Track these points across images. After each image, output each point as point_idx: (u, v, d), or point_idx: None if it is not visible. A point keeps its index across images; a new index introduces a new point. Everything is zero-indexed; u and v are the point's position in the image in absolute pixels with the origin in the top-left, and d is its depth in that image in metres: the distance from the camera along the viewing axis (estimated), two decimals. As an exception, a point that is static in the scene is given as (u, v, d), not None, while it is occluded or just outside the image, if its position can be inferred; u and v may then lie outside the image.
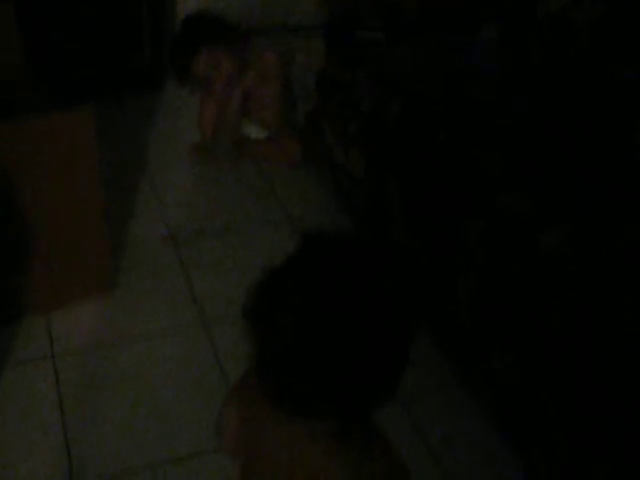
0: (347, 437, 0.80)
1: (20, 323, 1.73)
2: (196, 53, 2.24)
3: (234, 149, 2.40)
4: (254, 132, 2.42)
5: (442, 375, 1.72)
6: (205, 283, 1.91)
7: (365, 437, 0.82)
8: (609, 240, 1.43)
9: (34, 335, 1.71)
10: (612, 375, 1.27)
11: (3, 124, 1.45)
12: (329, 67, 2.18)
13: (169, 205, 2.17)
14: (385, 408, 0.79)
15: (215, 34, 2.28)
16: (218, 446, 0.96)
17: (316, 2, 2.11)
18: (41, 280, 1.71)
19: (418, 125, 1.80)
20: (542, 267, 1.43)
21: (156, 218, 2.12)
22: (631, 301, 1.31)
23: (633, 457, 1.23)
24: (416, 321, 0.78)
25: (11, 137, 1.46)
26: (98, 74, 2.45)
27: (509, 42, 2.17)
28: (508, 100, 1.87)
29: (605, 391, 1.27)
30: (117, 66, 2.50)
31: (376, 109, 1.91)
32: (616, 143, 1.70)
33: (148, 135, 2.46)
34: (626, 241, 1.44)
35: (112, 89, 2.47)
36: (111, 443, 1.50)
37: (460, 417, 1.62)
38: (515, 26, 2.18)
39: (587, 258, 1.40)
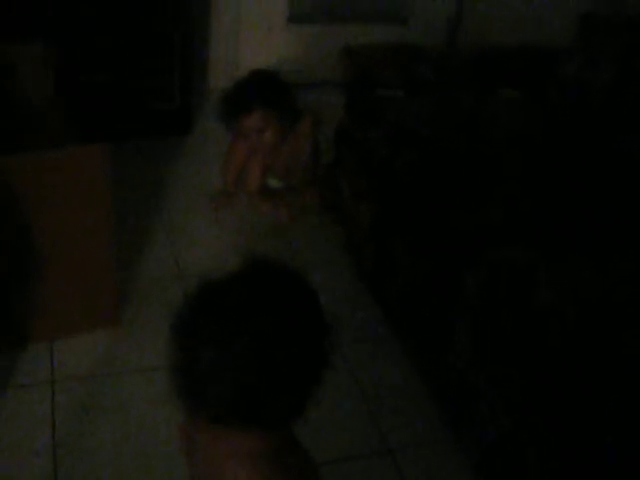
0: (271, 459, 0.84)
1: (25, 348, 1.78)
2: (250, 111, 2.24)
3: (254, 197, 2.46)
4: (275, 182, 2.50)
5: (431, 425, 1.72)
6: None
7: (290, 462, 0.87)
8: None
9: (37, 360, 1.76)
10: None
11: (19, 155, 1.53)
12: (347, 123, 2.25)
13: (182, 246, 2.23)
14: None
15: (271, 97, 2.28)
16: None
17: (338, 59, 2.18)
18: (48, 309, 1.76)
19: (422, 179, 1.84)
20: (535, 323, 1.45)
21: (167, 258, 2.17)
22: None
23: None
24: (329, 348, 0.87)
25: (27, 168, 1.53)
26: (128, 114, 2.56)
27: (529, 101, 2.23)
28: (518, 157, 1.91)
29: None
30: (146, 108, 2.60)
31: (384, 164, 1.97)
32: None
33: (170, 178, 2.54)
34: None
35: (138, 131, 2.58)
36: (98, 473, 1.53)
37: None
38: (535, 86, 2.24)
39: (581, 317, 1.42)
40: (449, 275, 1.66)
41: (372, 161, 2.05)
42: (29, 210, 1.59)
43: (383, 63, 2.17)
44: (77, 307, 1.81)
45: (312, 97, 2.53)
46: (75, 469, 1.53)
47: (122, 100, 2.56)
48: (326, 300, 1.99)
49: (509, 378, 1.47)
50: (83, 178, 1.62)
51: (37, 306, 1.75)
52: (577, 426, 1.31)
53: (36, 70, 2.03)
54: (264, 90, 2.26)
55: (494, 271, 1.56)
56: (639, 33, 2.08)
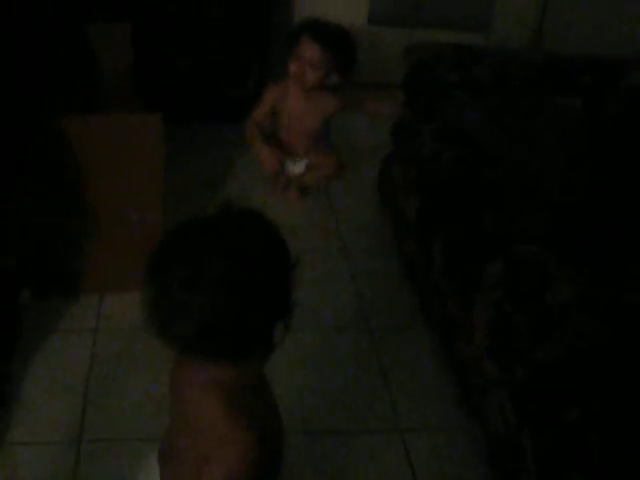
0: (235, 393, 0.92)
1: (77, 298, 1.95)
2: (317, 42, 2.33)
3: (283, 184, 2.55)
4: (297, 168, 2.56)
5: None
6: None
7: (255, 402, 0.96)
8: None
9: (85, 309, 1.92)
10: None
11: (82, 116, 1.68)
12: (404, 116, 2.31)
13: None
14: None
15: (344, 52, 2.41)
16: None
17: (402, 57, 2.25)
18: (101, 264, 1.92)
19: (462, 178, 1.88)
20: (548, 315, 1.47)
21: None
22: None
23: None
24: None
25: (84, 130, 1.69)
26: (202, 97, 2.71)
27: (591, 111, 2.21)
28: (563, 165, 1.91)
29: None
30: (221, 93, 2.74)
31: (431, 159, 2.01)
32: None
33: (237, 160, 2.67)
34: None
35: (211, 114, 2.72)
36: (123, 413, 1.65)
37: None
38: (598, 96, 2.23)
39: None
40: (474, 268, 1.70)
41: (421, 155, 2.10)
42: (87, 168, 1.75)
43: (444, 61, 2.22)
44: (127, 265, 1.94)
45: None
46: (103, 407, 1.66)
47: (198, 84, 2.70)
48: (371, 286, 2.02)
49: (516, 367, 1.50)
50: (138, 144, 1.76)
51: (91, 259, 1.91)
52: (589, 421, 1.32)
53: (118, 47, 2.21)
54: (342, 39, 2.36)
55: (512, 263, 1.59)
56: None
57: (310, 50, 2.31)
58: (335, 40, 2.34)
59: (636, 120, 2.06)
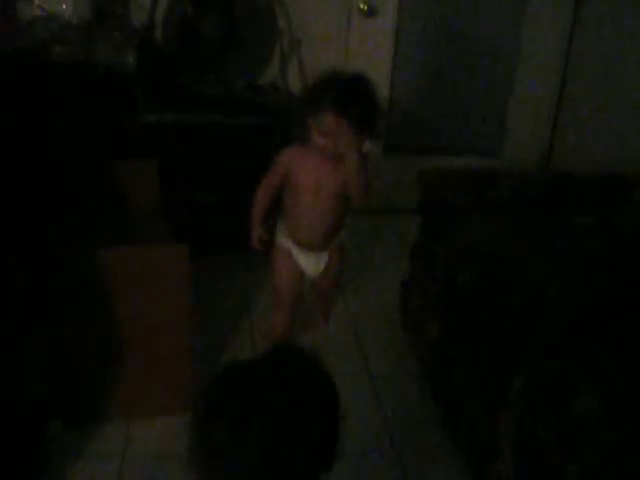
0: None
1: (103, 424, 1.97)
2: (341, 115, 1.98)
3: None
4: (319, 264, 2.29)
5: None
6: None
7: None
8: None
9: (112, 434, 1.95)
10: None
11: (114, 248, 1.78)
12: (420, 239, 2.39)
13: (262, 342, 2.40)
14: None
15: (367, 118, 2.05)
16: None
17: (416, 181, 2.36)
18: (127, 390, 1.96)
19: (482, 294, 1.93)
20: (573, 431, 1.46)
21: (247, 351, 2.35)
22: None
23: None
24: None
25: (115, 259, 1.78)
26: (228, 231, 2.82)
27: (605, 227, 2.28)
28: (577, 280, 1.96)
29: None
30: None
31: (448, 278, 2.07)
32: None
33: (260, 287, 2.74)
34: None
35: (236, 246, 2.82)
36: None
37: None
38: (611, 212, 2.30)
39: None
40: (498, 379, 1.71)
41: (436, 276, 2.16)
42: (117, 296, 1.82)
43: (457, 184, 2.32)
44: (154, 391, 1.99)
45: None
46: None
47: (224, 219, 2.82)
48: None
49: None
50: (166, 273, 1.84)
51: (118, 385, 1.95)
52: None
53: (145, 183, 2.35)
54: (368, 105, 2.01)
55: (535, 378, 1.60)
56: None
57: (339, 126, 1.96)
58: (362, 110, 1.99)
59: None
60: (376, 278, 2.86)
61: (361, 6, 3.09)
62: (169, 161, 2.53)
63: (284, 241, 2.21)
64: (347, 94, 1.97)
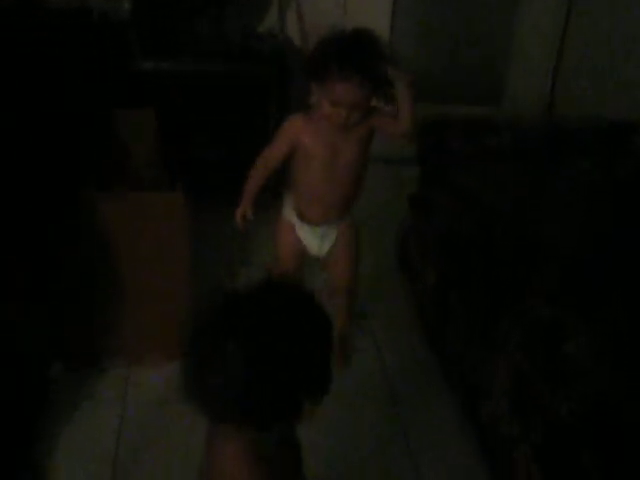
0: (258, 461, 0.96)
1: (104, 369, 2.01)
2: (351, 79, 1.77)
3: None
4: (326, 243, 2.08)
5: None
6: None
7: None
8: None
9: (114, 380, 1.98)
10: None
11: (113, 193, 1.79)
12: (420, 188, 2.39)
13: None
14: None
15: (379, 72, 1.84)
16: None
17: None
18: (127, 336, 1.98)
19: (481, 242, 1.93)
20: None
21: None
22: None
23: None
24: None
25: (112, 206, 1.79)
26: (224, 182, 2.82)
27: (603, 172, 2.28)
28: (572, 227, 1.96)
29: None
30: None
31: (447, 226, 2.08)
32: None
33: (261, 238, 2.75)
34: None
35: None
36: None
37: None
38: (607, 159, 2.30)
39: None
40: (493, 324, 1.73)
41: (436, 224, 2.17)
42: (115, 243, 1.83)
43: (458, 132, 2.31)
44: (154, 337, 2.01)
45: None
46: (132, 475, 1.69)
47: (224, 172, 2.81)
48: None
49: (536, 424, 1.51)
50: (164, 219, 1.85)
51: (119, 333, 1.97)
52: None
53: (143, 131, 2.34)
54: (373, 58, 1.80)
55: (530, 321, 1.62)
56: None
57: (349, 94, 1.77)
58: (371, 67, 1.78)
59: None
60: (376, 227, 2.86)
61: (361, -49, 3.03)
62: (166, 108, 2.52)
63: (289, 214, 2.03)
64: (355, 57, 1.76)
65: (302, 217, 2.00)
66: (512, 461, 1.59)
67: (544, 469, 1.48)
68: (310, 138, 1.88)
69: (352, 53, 1.76)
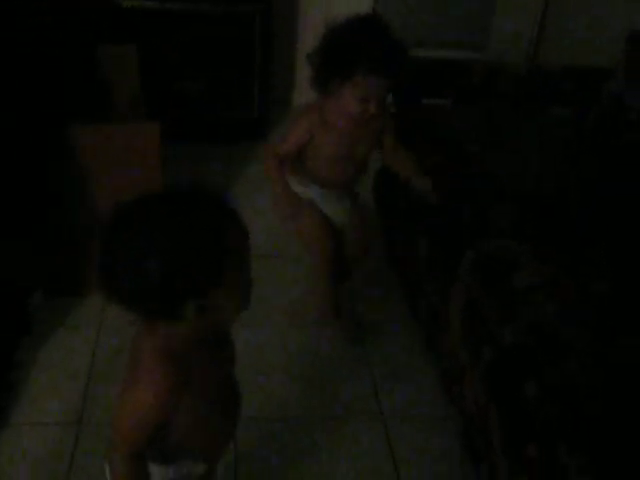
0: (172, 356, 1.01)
1: (83, 297, 2.09)
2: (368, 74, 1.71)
3: None
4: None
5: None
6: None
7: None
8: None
9: (90, 308, 2.06)
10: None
11: (86, 127, 1.84)
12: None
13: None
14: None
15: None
16: None
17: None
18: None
19: (444, 181, 1.99)
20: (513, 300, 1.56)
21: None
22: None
23: None
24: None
25: (90, 137, 1.85)
26: (210, 119, 2.87)
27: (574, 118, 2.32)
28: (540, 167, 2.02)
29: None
30: (227, 115, 2.91)
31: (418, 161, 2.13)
32: None
33: (241, 177, 2.80)
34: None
35: (218, 135, 2.87)
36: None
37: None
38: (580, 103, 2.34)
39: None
40: (453, 256, 1.80)
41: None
42: (93, 173, 1.90)
43: (433, 74, 2.35)
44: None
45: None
46: (103, 394, 1.77)
47: (203, 106, 2.86)
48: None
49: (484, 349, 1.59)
50: (138, 149, 1.91)
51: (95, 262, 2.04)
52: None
53: (125, 67, 2.37)
54: (403, 57, 1.74)
55: (483, 255, 1.69)
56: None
57: (380, 88, 1.74)
58: (399, 65, 1.74)
59: (612, 126, 2.15)
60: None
61: None
62: (149, 47, 2.56)
63: (302, 191, 1.92)
64: (382, 49, 1.68)
65: (317, 181, 1.93)
66: (463, 387, 1.68)
67: (491, 396, 1.56)
68: (327, 137, 1.83)
69: (378, 45, 1.69)
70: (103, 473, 1.13)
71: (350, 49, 1.69)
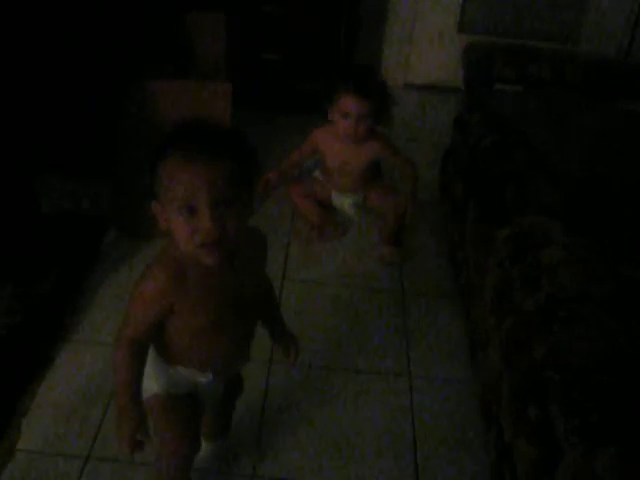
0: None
1: (148, 241, 2.24)
2: (366, 96, 2.27)
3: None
4: (348, 201, 2.54)
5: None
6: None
7: None
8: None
9: (153, 250, 2.22)
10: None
11: (163, 81, 2.02)
12: (461, 111, 2.49)
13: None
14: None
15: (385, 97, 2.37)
16: None
17: (462, 55, 2.44)
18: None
19: (494, 159, 2.05)
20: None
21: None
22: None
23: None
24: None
25: (165, 91, 2.02)
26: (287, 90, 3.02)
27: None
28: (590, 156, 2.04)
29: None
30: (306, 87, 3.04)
31: (474, 144, 2.19)
32: None
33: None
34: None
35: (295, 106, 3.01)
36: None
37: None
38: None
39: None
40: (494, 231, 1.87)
41: (468, 142, 2.28)
42: (165, 124, 2.06)
43: (502, 59, 2.39)
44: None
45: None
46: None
47: (282, 76, 3.00)
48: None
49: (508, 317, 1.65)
50: (210, 107, 2.07)
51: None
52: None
53: (211, 36, 2.54)
54: (384, 87, 2.36)
55: (517, 231, 1.75)
56: None
57: (358, 106, 2.25)
58: (376, 90, 2.31)
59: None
60: (422, 149, 2.98)
61: None
62: (236, 15, 2.72)
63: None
64: (356, 78, 2.28)
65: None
66: (486, 354, 1.75)
67: (505, 360, 1.62)
68: (327, 151, 2.43)
69: (355, 76, 2.31)
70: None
71: (338, 81, 2.30)
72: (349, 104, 2.25)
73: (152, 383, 1.28)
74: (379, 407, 1.80)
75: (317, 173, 2.56)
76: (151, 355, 1.25)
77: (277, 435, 1.69)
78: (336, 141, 2.38)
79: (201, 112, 2.07)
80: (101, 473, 1.55)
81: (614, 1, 3.28)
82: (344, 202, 2.52)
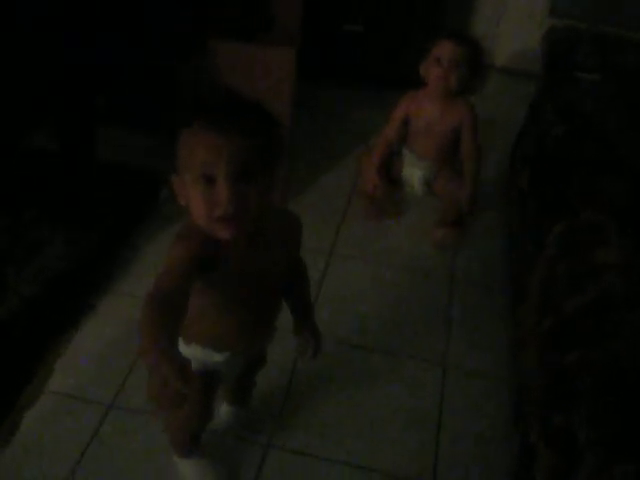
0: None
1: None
2: (461, 43, 2.28)
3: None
4: (421, 172, 2.47)
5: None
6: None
7: None
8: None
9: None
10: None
11: (229, 43, 2.01)
12: (536, 96, 2.38)
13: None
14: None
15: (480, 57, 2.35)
16: None
17: (540, 42, 2.34)
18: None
19: (562, 150, 1.94)
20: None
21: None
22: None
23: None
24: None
25: (229, 53, 2.01)
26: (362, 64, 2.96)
27: None
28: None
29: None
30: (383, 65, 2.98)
31: (543, 131, 2.09)
32: None
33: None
34: None
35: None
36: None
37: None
38: None
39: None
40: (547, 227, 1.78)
41: (537, 130, 2.18)
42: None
43: (585, 47, 2.27)
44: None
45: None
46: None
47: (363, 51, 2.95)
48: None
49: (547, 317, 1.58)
50: (274, 71, 2.04)
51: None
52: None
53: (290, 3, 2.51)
54: (479, 43, 2.32)
55: (571, 229, 1.66)
56: None
57: (450, 50, 2.23)
58: (470, 41, 2.31)
59: None
60: (495, 132, 2.88)
61: None
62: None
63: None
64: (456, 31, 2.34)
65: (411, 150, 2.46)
66: (525, 354, 1.68)
67: (539, 363, 1.55)
68: (413, 112, 2.38)
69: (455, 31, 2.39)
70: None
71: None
72: (442, 47, 2.24)
73: None
74: (408, 392, 1.76)
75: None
76: None
77: (300, 409, 1.68)
78: (424, 100, 2.35)
79: (263, 78, 2.05)
80: (121, 422, 1.58)
81: None
82: (414, 173, 2.46)
